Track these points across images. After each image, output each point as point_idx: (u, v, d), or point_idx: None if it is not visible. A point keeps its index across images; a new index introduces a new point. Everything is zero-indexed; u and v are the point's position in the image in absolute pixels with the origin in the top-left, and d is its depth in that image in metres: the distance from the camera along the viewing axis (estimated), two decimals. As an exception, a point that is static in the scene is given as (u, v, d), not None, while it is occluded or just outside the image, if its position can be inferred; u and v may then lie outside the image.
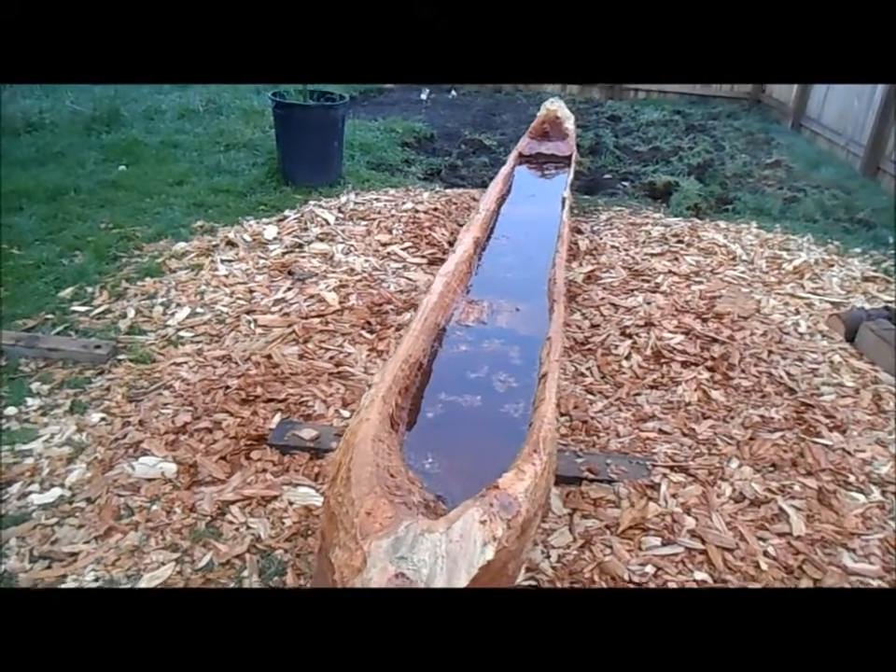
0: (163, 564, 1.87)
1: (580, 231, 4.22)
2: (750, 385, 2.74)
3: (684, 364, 2.85)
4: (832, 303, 3.47)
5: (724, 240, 4.11)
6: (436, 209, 4.22)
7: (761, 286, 3.61)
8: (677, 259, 3.85)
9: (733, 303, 3.33)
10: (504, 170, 3.97)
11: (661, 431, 2.47)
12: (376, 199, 4.42)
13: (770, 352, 2.95)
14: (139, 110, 6.02)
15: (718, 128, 7.26)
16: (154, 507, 2.05)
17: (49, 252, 3.52)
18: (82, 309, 3.10)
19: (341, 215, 4.14)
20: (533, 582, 1.88)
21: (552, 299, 2.42)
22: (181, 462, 2.20)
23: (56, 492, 2.09)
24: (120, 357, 2.77)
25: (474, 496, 1.31)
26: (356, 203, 4.30)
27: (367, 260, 3.61)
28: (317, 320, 3.05)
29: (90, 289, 3.25)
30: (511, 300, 2.61)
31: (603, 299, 3.40)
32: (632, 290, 3.49)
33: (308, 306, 3.16)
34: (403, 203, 4.33)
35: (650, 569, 1.92)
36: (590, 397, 2.66)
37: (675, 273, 3.66)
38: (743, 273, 3.75)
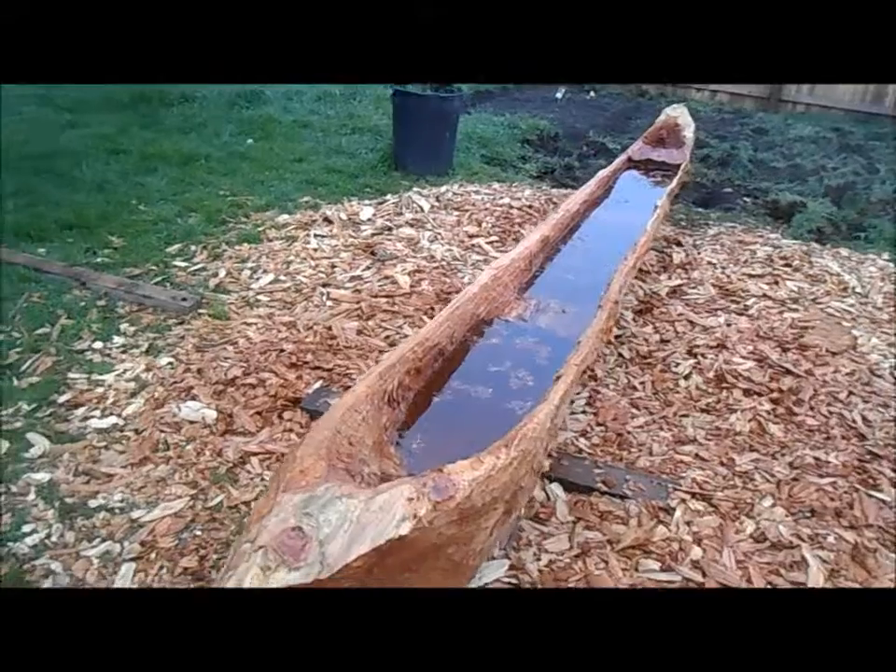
0: (180, 497, 2.05)
1: (679, 244, 4.04)
2: (816, 424, 2.52)
3: (746, 392, 2.67)
4: (948, 352, 3.09)
5: (839, 268, 3.77)
6: (531, 206, 4.21)
7: (867, 322, 3.28)
8: (777, 282, 3.58)
9: (825, 336, 3.06)
10: (602, 173, 3.87)
11: (697, 456, 2.34)
12: (476, 191, 4.48)
13: (851, 393, 2.69)
14: (281, 90, 6.45)
15: (879, 149, 6.61)
16: (188, 446, 2.24)
17: (168, 211, 3.89)
18: (182, 264, 3.42)
19: (437, 203, 4.23)
20: (514, 580, 1.87)
21: (598, 304, 2.36)
22: (221, 411, 2.38)
23: (112, 420, 2.34)
24: (201, 311, 3.02)
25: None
26: (454, 194, 4.38)
27: (449, 250, 3.68)
28: (385, 300, 3.16)
29: (193, 248, 3.57)
30: (562, 301, 2.57)
31: (681, 315, 3.25)
32: (716, 310, 3.30)
33: (380, 286, 3.28)
34: (501, 198, 4.35)
35: (638, 592, 1.85)
36: (634, 411, 2.57)
37: (769, 298, 3.42)
38: (851, 306, 3.43)
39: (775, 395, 2.65)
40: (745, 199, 4.96)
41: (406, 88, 4.72)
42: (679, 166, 4.06)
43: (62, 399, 2.43)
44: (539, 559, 1.95)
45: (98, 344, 2.74)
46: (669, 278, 3.63)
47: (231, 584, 1.01)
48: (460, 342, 2.25)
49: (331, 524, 1.14)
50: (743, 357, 2.88)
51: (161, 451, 2.22)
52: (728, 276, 3.64)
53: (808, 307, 3.35)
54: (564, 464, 2.23)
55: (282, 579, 1.04)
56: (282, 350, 2.72)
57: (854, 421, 2.54)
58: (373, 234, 3.80)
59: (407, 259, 3.54)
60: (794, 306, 3.35)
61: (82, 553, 1.85)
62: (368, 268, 3.45)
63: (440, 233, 3.85)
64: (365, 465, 1.47)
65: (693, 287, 3.52)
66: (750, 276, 3.64)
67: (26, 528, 1.91)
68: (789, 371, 2.78)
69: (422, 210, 4.11)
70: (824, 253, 4.02)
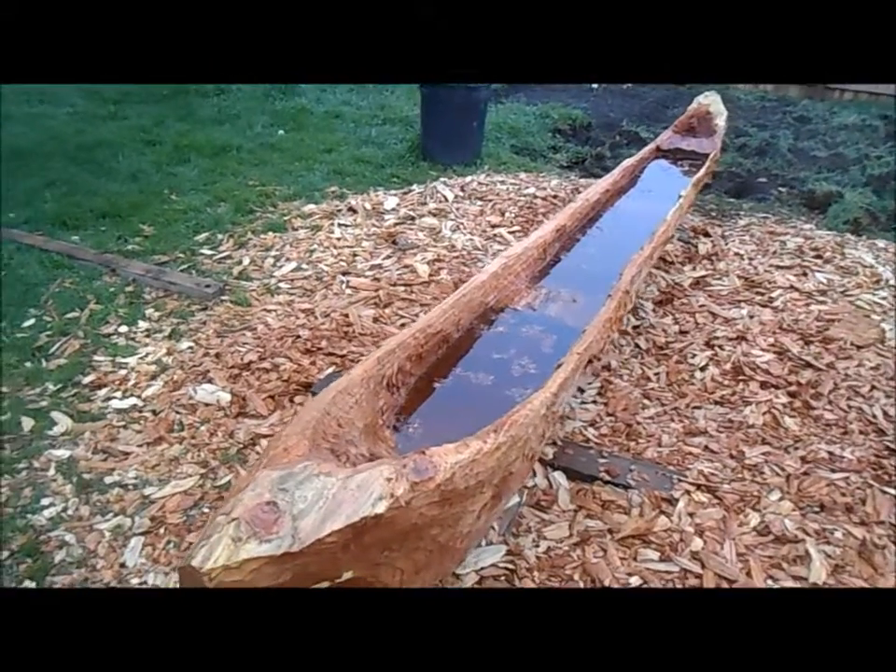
0: (190, 476, 2.12)
1: (707, 234, 3.97)
2: (834, 418, 2.46)
3: (763, 385, 2.62)
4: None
5: (873, 260, 3.65)
6: (556, 196, 4.18)
7: (898, 316, 3.18)
8: (805, 274, 3.49)
9: (850, 329, 2.97)
10: (627, 162, 3.81)
11: (706, 448, 2.32)
12: (501, 181, 4.47)
13: (874, 387, 2.62)
14: (316, 82, 6.52)
15: (930, 137, 6.35)
16: (202, 427, 2.31)
17: (198, 200, 3.99)
18: (209, 252, 3.51)
19: (461, 193, 4.24)
20: (510, 566, 1.89)
21: (608, 294, 2.34)
22: (236, 394, 2.45)
23: (132, 401, 2.43)
24: (224, 297, 3.10)
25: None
26: (479, 184, 4.38)
27: (470, 239, 3.69)
28: (403, 289, 3.20)
29: (220, 236, 3.66)
30: (574, 291, 2.56)
31: (703, 306, 3.20)
32: (739, 301, 3.24)
33: (399, 274, 3.31)
34: (526, 188, 4.33)
35: (634, 580, 1.85)
36: (645, 401, 2.55)
37: (796, 290, 3.33)
38: (883, 299, 3.31)
39: (793, 388, 2.59)
40: (780, 189, 4.83)
41: (434, 78, 4.73)
42: (708, 156, 3.97)
43: (86, 380, 2.53)
44: (537, 546, 1.96)
45: (124, 329, 2.85)
46: (694, 269, 3.57)
47: (202, 554, 1.05)
48: (467, 329, 2.26)
49: (307, 499, 1.17)
50: (763, 350, 2.82)
51: (176, 431, 2.30)
52: (755, 267, 3.56)
53: (837, 300, 3.25)
54: (568, 452, 2.24)
55: (252, 550, 1.07)
56: (298, 336, 2.77)
57: (874, 416, 2.47)
58: (396, 224, 3.83)
59: (428, 248, 3.56)
60: (822, 298, 3.26)
61: (95, 526, 1.94)
62: (388, 257, 3.49)
63: (462, 223, 3.86)
64: (353, 446, 1.50)
65: (718, 279, 3.46)
66: (778, 268, 3.55)
67: (45, 501, 2.01)
68: (809, 364, 2.72)
69: (446, 200, 4.12)
70: (859, 244, 3.89)
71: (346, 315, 2.94)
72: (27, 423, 2.30)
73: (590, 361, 2.18)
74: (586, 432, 2.37)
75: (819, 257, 3.68)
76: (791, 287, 3.36)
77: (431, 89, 4.66)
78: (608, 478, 2.14)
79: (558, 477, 2.17)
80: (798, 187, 4.85)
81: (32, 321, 2.84)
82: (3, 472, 2.09)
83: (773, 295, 3.28)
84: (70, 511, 1.98)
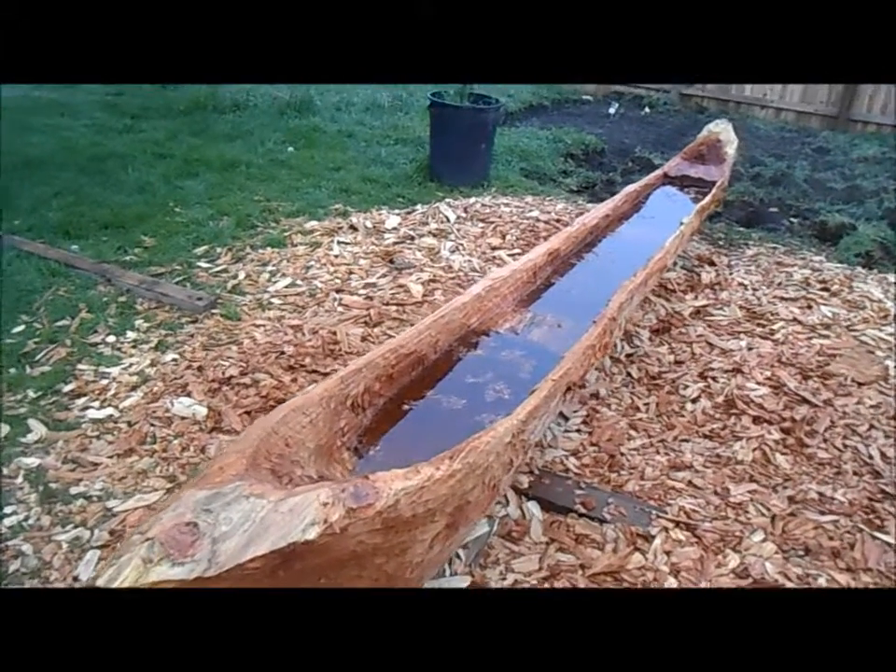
0: (156, 490, 2.08)
1: (712, 263, 3.89)
2: (828, 457, 2.37)
3: (756, 420, 2.53)
4: None
5: (882, 295, 3.55)
6: (559, 220, 4.14)
7: (905, 353, 3.07)
8: (810, 307, 3.40)
9: (852, 365, 2.88)
10: (630, 188, 3.77)
11: (690, 483, 2.23)
12: (506, 203, 4.44)
13: (872, 426, 2.52)
14: (332, 101, 6.59)
15: (955, 171, 6.22)
16: (175, 441, 2.28)
17: (202, 214, 4.01)
18: (205, 265, 3.51)
19: (464, 214, 4.22)
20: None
21: (593, 320, 2.29)
22: (212, 408, 2.42)
23: (108, 411, 2.41)
24: (215, 311, 3.09)
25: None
26: (482, 205, 4.36)
27: (469, 261, 3.65)
28: (395, 308, 3.16)
29: (219, 250, 3.66)
30: (560, 316, 2.51)
31: (701, 336, 3.12)
32: (739, 333, 3.16)
33: (392, 294, 3.28)
34: (530, 211, 4.30)
35: (601, 620, 1.76)
36: (632, 432, 2.47)
37: (799, 322, 3.24)
38: (890, 335, 3.21)
39: (786, 424, 2.50)
40: (792, 219, 4.75)
41: (443, 99, 4.74)
42: (715, 183, 3.91)
43: (67, 388, 2.52)
44: (504, 578, 1.89)
45: (111, 338, 2.84)
46: (695, 298, 3.50)
47: (109, 573, 1.01)
48: (445, 351, 2.22)
49: (231, 522, 1.13)
50: (758, 383, 2.74)
51: (148, 444, 2.27)
52: (758, 298, 3.48)
53: (841, 334, 3.15)
54: (544, 482, 2.17)
55: (163, 573, 1.03)
56: (282, 352, 2.74)
57: (871, 457, 2.37)
58: (395, 243, 3.82)
59: (424, 268, 3.53)
60: (825, 332, 3.16)
61: (54, 537, 1.91)
62: (384, 276, 3.46)
63: (461, 244, 3.83)
64: (299, 467, 1.46)
65: (719, 308, 3.38)
66: (782, 299, 3.47)
67: (8, 510, 1.99)
68: (805, 400, 2.63)
69: (447, 220, 4.10)
70: (869, 278, 3.79)
71: (334, 333, 2.91)
72: (3, 429, 2.29)
73: (569, 389, 2.11)
74: (567, 462, 2.31)
75: (825, 289, 3.59)
76: (794, 319, 3.27)
77: (440, 109, 4.66)
78: (583, 510, 2.07)
79: (532, 507, 2.10)
80: (811, 217, 4.76)
81: (22, 327, 2.85)
82: (-30, 479, 2.08)
83: (774, 327, 3.20)
84: (31, 521, 1.96)
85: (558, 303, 2.65)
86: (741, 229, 4.57)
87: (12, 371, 2.59)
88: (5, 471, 2.13)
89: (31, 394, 2.47)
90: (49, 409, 2.41)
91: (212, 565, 1.07)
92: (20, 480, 2.10)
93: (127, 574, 1.01)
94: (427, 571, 1.59)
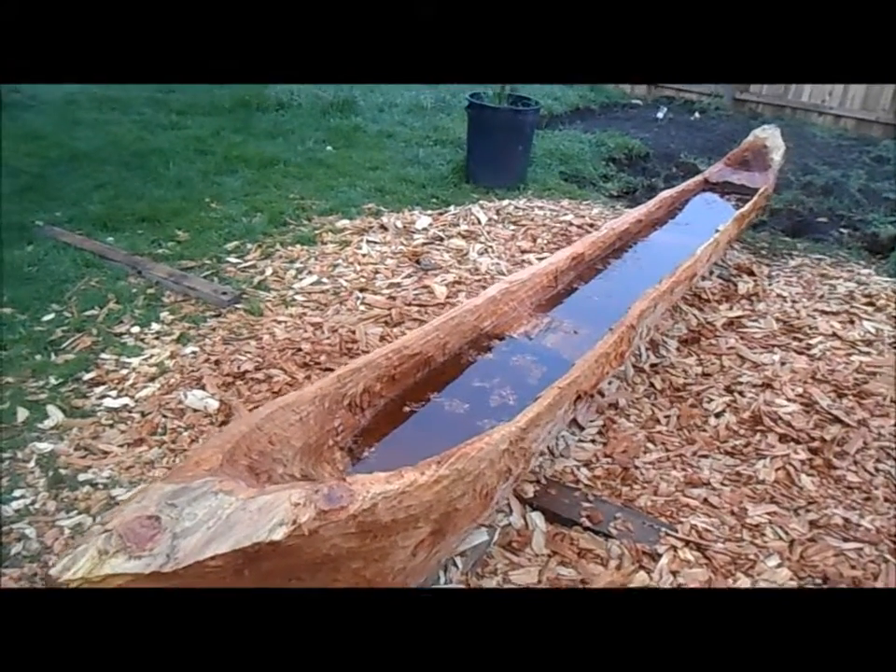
0: (161, 481, 2.10)
1: (751, 273, 3.75)
2: (857, 481, 2.24)
3: (783, 438, 2.41)
4: None
5: (933, 312, 3.36)
6: (592, 225, 4.05)
7: (954, 374, 2.89)
8: (852, 321, 3.24)
9: (892, 384, 2.72)
10: (666, 193, 3.65)
11: (706, 501, 2.14)
12: (540, 207, 4.37)
13: (909, 451, 2.37)
14: (375, 101, 6.61)
15: None
16: (184, 433, 2.30)
17: (236, 210, 4.06)
18: (234, 261, 3.55)
19: (496, 216, 4.16)
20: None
21: (610, 328, 2.21)
22: (224, 402, 2.43)
23: (124, 401, 2.45)
24: (239, 305, 3.12)
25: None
26: (516, 208, 4.30)
27: (496, 263, 3.60)
28: (416, 309, 3.13)
29: (249, 246, 3.70)
30: (578, 322, 2.44)
31: (732, 348, 3.00)
32: (773, 346, 3.02)
33: (415, 294, 3.25)
34: (564, 215, 4.22)
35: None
36: (649, 445, 2.39)
37: (839, 338, 3.09)
38: (938, 354, 3.03)
39: (815, 444, 2.38)
40: (842, 230, 4.54)
41: (481, 100, 4.70)
42: (758, 191, 3.76)
43: (87, 376, 2.57)
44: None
45: (136, 329, 2.89)
46: (730, 308, 3.37)
47: (63, 563, 1.00)
48: (454, 354, 2.17)
49: (195, 518, 1.11)
50: (788, 400, 2.61)
51: (159, 434, 2.29)
52: (797, 311, 3.33)
53: (883, 351, 2.99)
54: (551, 492, 2.11)
55: (118, 565, 1.02)
56: (299, 349, 2.75)
57: (904, 483, 2.23)
58: (424, 243, 3.79)
59: (450, 269, 3.50)
60: (866, 349, 3.00)
61: (57, 522, 1.94)
62: (409, 276, 3.44)
63: (491, 246, 3.78)
64: (280, 465, 1.43)
65: (754, 320, 3.25)
66: (823, 313, 3.31)
67: (17, 493, 2.03)
68: (838, 420, 2.49)
69: (479, 222, 4.05)
70: (920, 294, 3.59)
71: (353, 332, 2.90)
72: (22, 414, 2.34)
73: (579, 397, 2.04)
74: (578, 472, 2.23)
75: (870, 304, 3.42)
76: (834, 334, 3.12)
77: (477, 110, 4.62)
78: (588, 524, 2.00)
79: (536, 518, 2.04)
80: (862, 229, 4.55)
81: (52, 315, 2.92)
82: (-15, 461, 2.14)
83: (811, 342, 3.05)
84: (37, 505, 1.99)
85: (579, 309, 2.57)
86: (786, 238, 4.39)
87: (38, 357, 2.65)
88: (19, 455, 2.17)
89: (52, 380, 2.52)
90: (69, 396, 2.45)
91: (170, 560, 1.05)
92: (31, 464, 2.14)
93: (81, 565, 1.00)
94: (411, 579, 1.55)
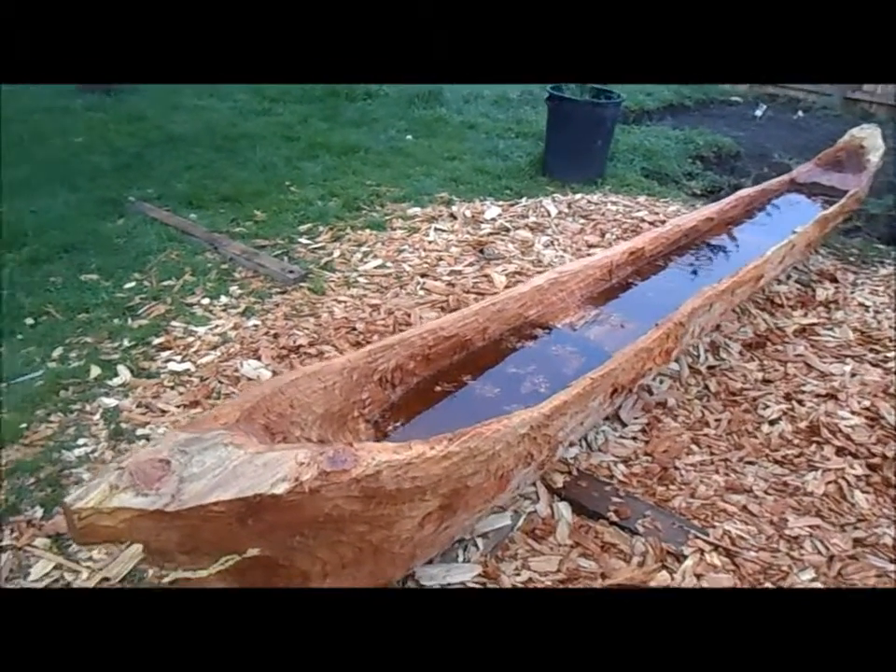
0: (209, 441, 2.22)
1: (834, 280, 3.54)
2: (918, 503, 2.09)
3: (840, 451, 2.29)
4: None
5: None
6: (664, 223, 3.93)
7: None
8: (940, 337, 3.01)
9: (975, 406, 2.51)
10: (744, 191, 3.50)
11: (744, 508, 2.06)
12: (614, 202, 4.28)
13: (982, 476, 2.19)
14: (462, 92, 6.65)
15: None
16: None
17: (313, 193, 4.21)
18: (305, 241, 3.68)
19: (566, 210, 4.12)
20: (480, 588, 1.79)
21: (655, 323, 2.16)
22: (276, 373, 2.54)
23: (186, 365, 2.61)
24: (303, 284, 3.24)
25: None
26: (588, 202, 4.23)
27: (560, 256, 3.57)
28: (474, 297, 3.15)
29: (321, 228, 3.83)
30: (632, 318, 2.39)
31: (800, 356, 2.86)
32: (845, 356, 2.86)
33: (474, 282, 3.27)
34: (637, 211, 4.12)
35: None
36: (693, 447, 2.32)
37: (921, 353, 2.88)
38: None
39: (875, 460, 2.24)
40: (945, 240, 4.20)
41: (561, 92, 4.65)
42: (847, 193, 3.55)
43: (157, 341, 2.75)
44: (518, 574, 1.84)
45: (206, 301, 3.06)
46: (804, 315, 3.20)
47: (77, 493, 1.09)
48: (494, 339, 2.19)
49: (203, 465, 1.19)
50: (852, 413, 2.47)
51: (213, 398, 2.43)
52: (878, 322, 3.13)
53: (970, 371, 2.77)
54: (581, 484, 2.09)
55: (125, 500, 1.10)
56: (354, 328, 2.83)
57: (971, 509, 2.07)
58: (490, 233, 3.80)
59: (513, 260, 3.50)
60: (951, 367, 2.79)
61: (113, 470, 2.09)
62: (471, 264, 3.46)
63: (557, 239, 3.74)
64: (298, 429, 1.50)
65: (829, 329, 3.07)
66: (907, 326, 3.09)
67: (80, 441, 2.20)
68: (905, 437, 2.33)
69: (548, 215, 4.02)
70: None
71: (408, 315, 2.95)
72: (94, 371, 2.54)
73: (615, 391, 2.02)
74: (614, 468, 2.20)
75: (964, 320, 3.16)
76: (917, 348, 2.91)
77: (557, 103, 4.58)
78: (615, 518, 1.97)
79: (562, 508, 2.03)
80: (971, 239, 4.19)
81: (133, 284, 3.14)
82: (59, 410, 2.33)
83: (889, 354, 2.86)
84: (97, 454, 2.16)
85: (632, 304, 2.53)
86: (880, 246, 4.11)
87: (116, 321, 2.86)
88: (87, 408, 2.36)
89: (126, 343, 2.71)
90: (138, 358, 2.64)
91: (174, 500, 1.13)
92: (97, 417, 2.32)
93: (93, 496, 1.10)
94: (420, 550, 1.58)
